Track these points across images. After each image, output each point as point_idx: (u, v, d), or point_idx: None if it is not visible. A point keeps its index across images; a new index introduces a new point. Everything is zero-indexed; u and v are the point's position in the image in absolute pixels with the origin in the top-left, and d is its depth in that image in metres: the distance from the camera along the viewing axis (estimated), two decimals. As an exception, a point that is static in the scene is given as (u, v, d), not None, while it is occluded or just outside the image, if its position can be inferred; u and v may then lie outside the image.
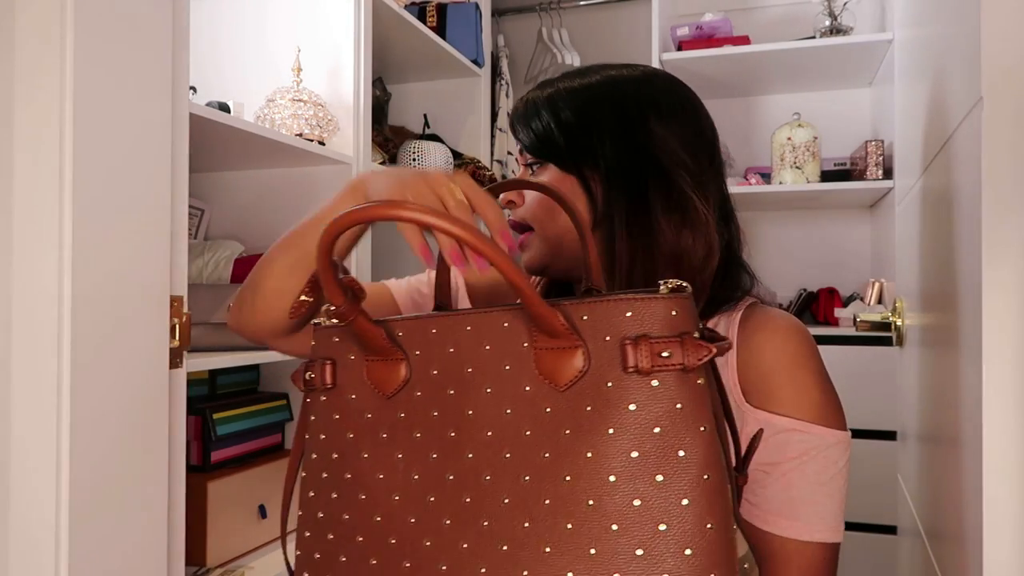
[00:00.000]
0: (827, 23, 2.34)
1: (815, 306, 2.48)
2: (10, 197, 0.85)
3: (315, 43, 1.69)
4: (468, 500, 0.55)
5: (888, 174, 2.22)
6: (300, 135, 1.56)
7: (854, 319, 1.37)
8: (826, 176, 2.38)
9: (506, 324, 0.57)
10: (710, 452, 0.51)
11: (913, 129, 1.21)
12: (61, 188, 0.84)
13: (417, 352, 0.59)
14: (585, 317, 0.54)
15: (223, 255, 1.60)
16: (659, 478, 0.50)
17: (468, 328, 0.58)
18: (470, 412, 0.56)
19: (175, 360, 1.00)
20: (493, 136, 2.47)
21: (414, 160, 2.05)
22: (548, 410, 0.54)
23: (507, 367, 0.56)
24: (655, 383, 0.52)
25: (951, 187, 0.81)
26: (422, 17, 2.19)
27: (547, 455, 0.53)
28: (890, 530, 2.02)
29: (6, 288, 0.85)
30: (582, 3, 2.86)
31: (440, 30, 2.20)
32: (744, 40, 2.39)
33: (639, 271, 0.75)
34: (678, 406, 0.51)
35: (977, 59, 0.64)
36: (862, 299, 2.38)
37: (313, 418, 0.64)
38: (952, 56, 0.81)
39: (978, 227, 0.63)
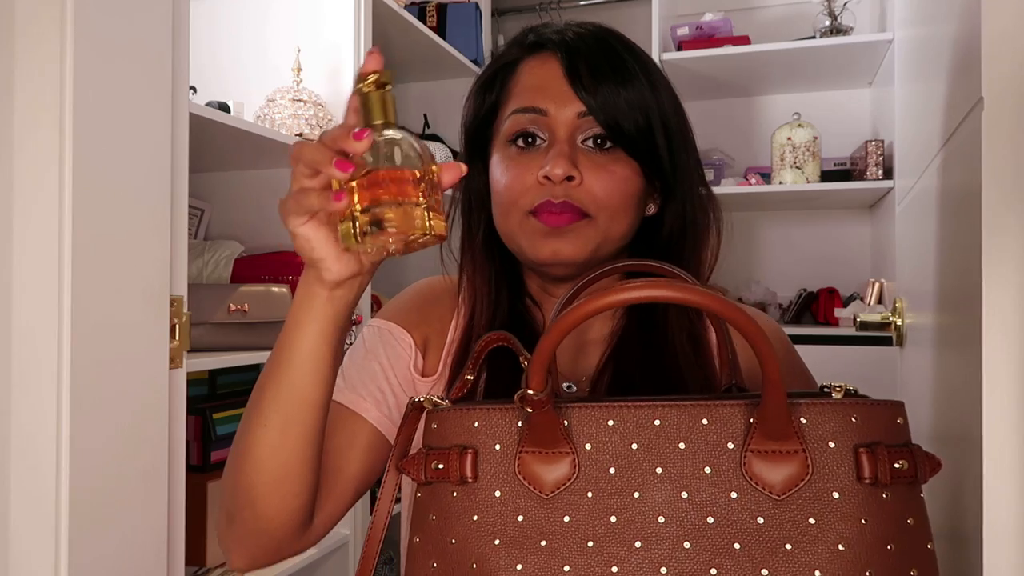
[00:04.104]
0: (827, 23, 2.34)
1: (815, 306, 2.48)
2: (10, 197, 0.85)
3: (315, 43, 1.69)
4: None
5: (888, 174, 2.22)
6: (300, 135, 1.56)
7: (854, 319, 1.37)
8: (826, 176, 2.38)
9: (705, 421, 0.51)
10: (936, 572, 0.50)
11: (913, 129, 1.21)
12: (61, 188, 0.84)
13: (588, 446, 0.52)
14: (804, 420, 0.50)
15: (223, 255, 1.60)
16: None
17: (656, 423, 0.51)
18: (661, 519, 0.50)
19: (175, 360, 1.00)
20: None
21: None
22: (761, 521, 0.49)
23: (707, 470, 0.50)
24: (885, 495, 0.49)
25: (951, 187, 0.81)
26: (422, 17, 2.19)
27: (765, 573, 0.48)
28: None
29: (6, 288, 0.85)
30: (582, 3, 2.86)
31: (440, 30, 2.20)
32: (744, 40, 2.39)
33: (686, 254, 0.77)
34: (909, 521, 0.49)
35: (977, 59, 0.64)
36: (862, 299, 2.38)
37: (434, 517, 0.54)
38: (952, 56, 0.81)
39: (978, 227, 0.63)
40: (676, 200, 0.77)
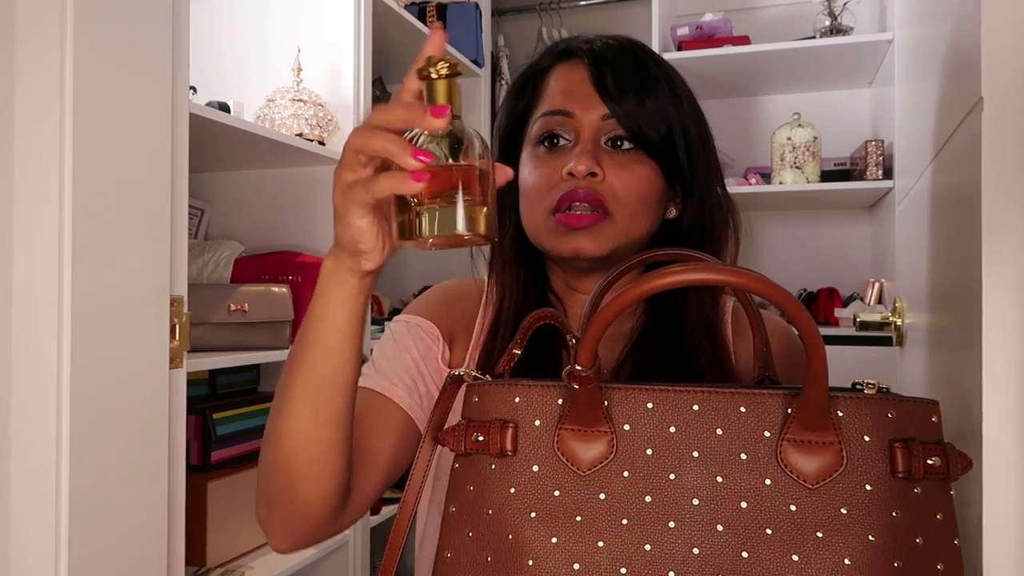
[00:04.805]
0: (827, 23, 2.34)
1: (815, 306, 2.48)
2: (10, 197, 0.85)
3: (315, 43, 1.69)
4: None
5: (888, 174, 2.22)
6: (300, 135, 1.56)
7: (854, 319, 1.37)
8: (826, 176, 2.38)
9: (743, 409, 0.52)
10: (962, 568, 0.51)
11: (913, 129, 1.21)
12: (61, 188, 0.84)
13: (627, 427, 0.53)
14: (841, 413, 0.51)
15: (223, 255, 1.60)
16: None
17: (695, 408, 0.53)
18: (695, 502, 0.51)
19: (175, 360, 1.00)
20: (493, 135, 2.48)
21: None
22: (793, 508, 0.50)
23: (743, 456, 0.51)
24: (917, 490, 0.50)
25: (951, 187, 0.81)
26: (422, 17, 2.19)
27: (796, 558, 0.49)
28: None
29: (6, 288, 0.85)
30: (582, 3, 2.86)
31: (440, 30, 2.20)
32: (744, 40, 2.39)
33: (706, 248, 0.80)
34: (938, 516, 0.51)
35: (977, 59, 0.64)
36: (862, 299, 2.38)
37: (471, 488, 0.55)
38: (952, 56, 0.81)
39: (978, 227, 0.63)
40: (694, 200, 0.80)
